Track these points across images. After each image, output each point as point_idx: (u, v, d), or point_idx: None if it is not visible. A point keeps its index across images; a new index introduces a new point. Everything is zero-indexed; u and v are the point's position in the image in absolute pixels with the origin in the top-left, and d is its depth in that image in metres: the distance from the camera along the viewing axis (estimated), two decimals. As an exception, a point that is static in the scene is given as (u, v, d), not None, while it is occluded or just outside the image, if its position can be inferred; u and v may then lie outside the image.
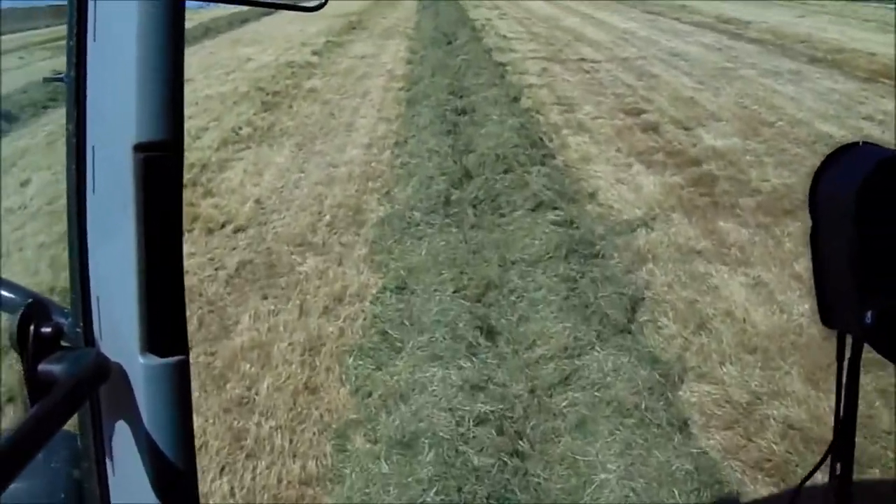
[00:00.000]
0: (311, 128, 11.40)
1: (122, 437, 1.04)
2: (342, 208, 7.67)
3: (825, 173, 1.25)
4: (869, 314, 1.12)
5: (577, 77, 15.09)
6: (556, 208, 7.05)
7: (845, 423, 1.29)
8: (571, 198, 7.68)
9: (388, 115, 11.88)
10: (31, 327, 1.01)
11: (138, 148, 0.98)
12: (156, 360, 1.01)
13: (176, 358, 1.02)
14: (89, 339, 1.05)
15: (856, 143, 1.25)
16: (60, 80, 1.07)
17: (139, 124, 0.98)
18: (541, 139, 9.98)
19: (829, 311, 1.25)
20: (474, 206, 7.27)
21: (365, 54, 18.79)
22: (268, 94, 14.03)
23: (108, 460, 1.07)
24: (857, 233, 1.16)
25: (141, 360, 1.01)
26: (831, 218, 1.23)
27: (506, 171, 8.04)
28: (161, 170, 0.99)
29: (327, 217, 7.45)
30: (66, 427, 1.19)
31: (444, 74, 14.36)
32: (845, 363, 1.28)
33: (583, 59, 17.21)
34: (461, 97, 12.30)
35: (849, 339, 1.27)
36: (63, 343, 1.04)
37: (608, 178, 8.56)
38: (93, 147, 1.02)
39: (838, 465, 1.30)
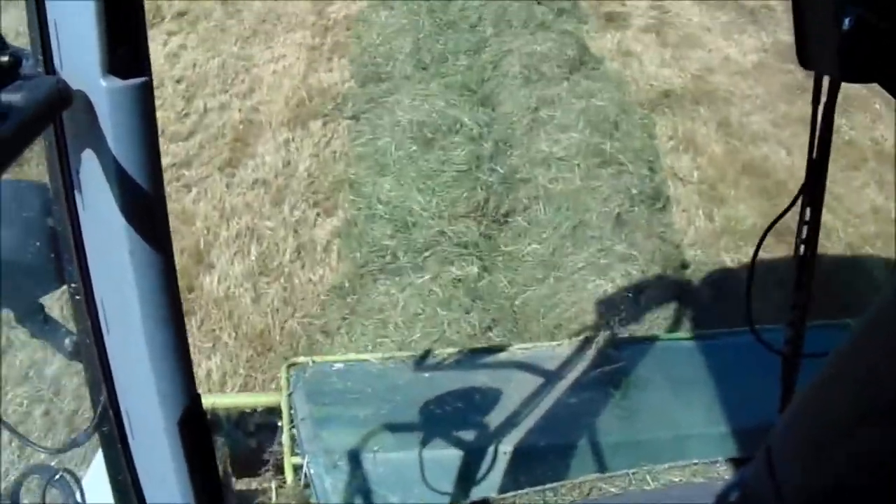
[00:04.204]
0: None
1: (90, 168, 1.04)
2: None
3: None
4: (847, 20, 1.10)
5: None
6: None
7: (818, 165, 1.29)
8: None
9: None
10: (-12, 57, 0.99)
11: None
12: (118, 83, 0.99)
13: (139, 80, 1.01)
14: (50, 68, 1.03)
15: None
16: None
17: None
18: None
19: (808, 50, 1.24)
20: None
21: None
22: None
23: (77, 194, 1.07)
24: None
25: (103, 83, 0.99)
26: None
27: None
28: None
29: None
30: (36, 178, 1.19)
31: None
32: (821, 107, 1.28)
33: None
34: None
35: (826, 83, 1.27)
36: (22, 74, 1.02)
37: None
38: None
39: (808, 210, 1.31)
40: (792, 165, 5.56)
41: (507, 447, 2.82)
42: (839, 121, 5.35)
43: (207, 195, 5.52)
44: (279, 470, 3.21)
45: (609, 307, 4.35)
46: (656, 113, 6.24)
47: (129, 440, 1.21)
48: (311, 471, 2.90)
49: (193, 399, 1.17)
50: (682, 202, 5.42)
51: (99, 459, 1.32)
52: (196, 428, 1.17)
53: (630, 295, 4.47)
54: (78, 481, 1.32)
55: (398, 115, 5.97)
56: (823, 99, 1.27)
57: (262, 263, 5.00)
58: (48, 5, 1.01)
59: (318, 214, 5.35)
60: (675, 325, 4.14)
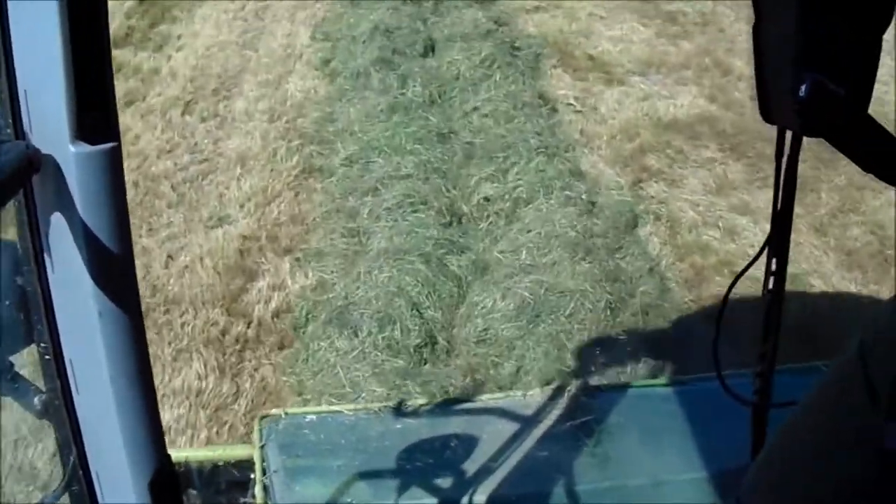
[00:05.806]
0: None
1: (59, 232, 1.05)
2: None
3: None
4: (803, 87, 1.14)
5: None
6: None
7: (782, 218, 1.33)
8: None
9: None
10: (-42, 123, 1.01)
11: None
12: (87, 149, 1.01)
13: (107, 145, 1.02)
14: (19, 133, 1.04)
15: None
16: None
17: None
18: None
19: (770, 105, 1.28)
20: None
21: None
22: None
23: (46, 257, 1.08)
24: (800, 19, 1.18)
25: (72, 149, 1.01)
26: (775, 10, 1.24)
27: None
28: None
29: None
30: (6, 237, 1.20)
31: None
32: (784, 160, 1.32)
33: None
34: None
35: (788, 137, 1.31)
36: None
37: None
38: None
39: (773, 261, 1.35)
40: None
41: (480, 497, 2.80)
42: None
43: None
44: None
45: None
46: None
47: (100, 501, 1.21)
48: (284, 525, 2.87)
49: (163, 460, 1.17)
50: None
51: None
52: (166, 489, 1.17)
53: None
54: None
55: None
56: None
57: None
58: (18, 72, 1.03)
59: None
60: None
